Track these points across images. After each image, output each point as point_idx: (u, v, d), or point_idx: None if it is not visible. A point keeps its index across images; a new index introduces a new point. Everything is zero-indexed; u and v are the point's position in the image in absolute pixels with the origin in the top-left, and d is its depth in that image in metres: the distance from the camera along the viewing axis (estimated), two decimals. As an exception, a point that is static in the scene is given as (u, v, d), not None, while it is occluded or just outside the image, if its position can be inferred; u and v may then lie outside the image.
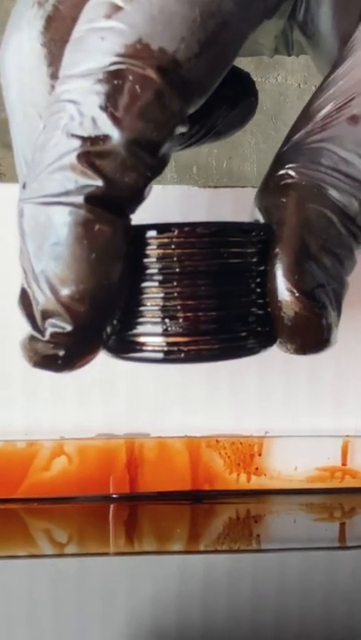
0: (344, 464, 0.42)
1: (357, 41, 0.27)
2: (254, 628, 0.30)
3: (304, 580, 0.34)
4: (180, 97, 0.24)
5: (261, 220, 0.27)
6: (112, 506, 0.41)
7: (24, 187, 0.25)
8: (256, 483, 0.42)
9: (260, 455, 0.42)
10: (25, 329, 0.26)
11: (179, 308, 0.25)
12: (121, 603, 0.32)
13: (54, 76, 0.26)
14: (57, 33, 0.26)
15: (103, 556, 0.37)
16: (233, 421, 0.42)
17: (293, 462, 0.42)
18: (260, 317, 0.26)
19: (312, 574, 0.34)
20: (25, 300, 0.25)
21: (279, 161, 0.27)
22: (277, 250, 0.26)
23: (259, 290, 0.26)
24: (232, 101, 0.34)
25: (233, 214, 0.40)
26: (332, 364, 0.42)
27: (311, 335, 0.26)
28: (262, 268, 0.26)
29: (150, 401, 0.42)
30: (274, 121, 0.64)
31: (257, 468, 0.42)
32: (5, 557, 0.37)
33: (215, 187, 0.41)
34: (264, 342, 0.26)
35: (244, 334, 0.26)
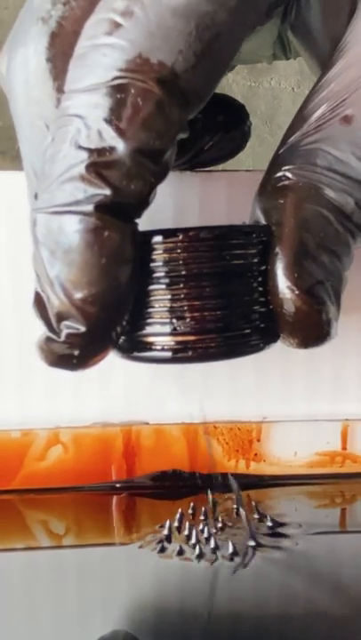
0: (344, 448, 0.46)
1: (348, 43, 0.30)
2: (256, 619, 0.33)
3: (307, 566, 0.37)
4: (180, 106, 0.28)
5: (262, 221, 0.31)
6: (110, 495, 0.44)
7: (35, 197, 0.28)
8: (255, 469, 0.46)
9: (258, 441, 0.45)
10: (39, 329, 0.29)
11: (186, 308, 0.29)
12: (120, 594, 0.34)
13: (60, 89, 0.29)
14: (61, 48, 0.30)
15: (102, 547, 0.39)
16: (231, 407, 0.46)
17: (293, 447, 0.46)
18: (262, 315, 0.30)
19: (316, 558, 0.37)
20: (39, 304, 0.29)
21: (276, 163, 0.31)
22: (277, 250, 0.30)
23: (261, 288, 0.30)
24: (223, 129, 0.38)
25: (227, 198, 0.44)
26: (330, 347, 0.45)
27: (312, 330, 0.30)
28: (263, 267, 0.30)
29: (147, 388, 0.45)
30: (268, 125, 0.68)
31: (256, 454, 0.46)
32: (2, 550, 0.40)
33: (208, 170, 0.44)
34: (268, 339, 0.31)
35: (248, 331, 0.30)
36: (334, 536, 0.41)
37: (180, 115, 0.28)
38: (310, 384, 0.46)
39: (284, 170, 0.30)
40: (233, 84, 0.52)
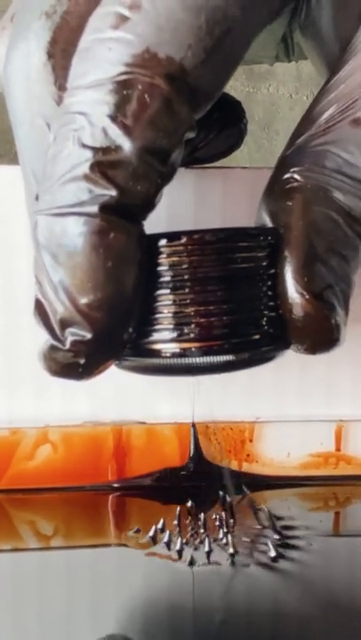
0: (338, 450, 0.45)
1: (358, 44, 0.30)
2: (248, 621, 0.33)
3: (300, 571, 0.36)
4: (188, 104, 0.27)
5: (269, 223, 0.30)
6: (99, 495, 0.44)
7: (37, 199, 0.28)
8: (248, 470, 0.45)
9: (251, 441, 0.45)
10: (41, 336, 0.29)
11: (192, 314, 0.29)
12: (110, 597, 0.34)
13: (62, 87, 0.29)
14: (64, 44, 0.29)
15: (91, 549, 0.39)
16: (224, 407, 0.45)
17: (286, 448, 0.45)
18: (271, 320, 0.30)
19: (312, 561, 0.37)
20: (41, 311, 0.28)
21: (283, 164, 0.30)
22: (286, 253, 0.29)
23: (270, 293, 0.29)
24: (218, 125, 0.38)
25: (222, 195, 0.43)
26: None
27: (321, 335, 0.30)
28: (272, 271, 0.29)
29: (138, 387, 0.45)
30: (266, 131, 0.68)
31: (248, 455, 0.45)
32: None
33: (203, 167, 0.44)
34: (278, 345, 0.30)
35: (257, 337, 0.29)
36: (329, 539, 0.40)
37: (189, 113, 0.27)
38: (304, 384, 0.46)
39: (292, 171, 0.30)
40: (231, 89, 0.51)
